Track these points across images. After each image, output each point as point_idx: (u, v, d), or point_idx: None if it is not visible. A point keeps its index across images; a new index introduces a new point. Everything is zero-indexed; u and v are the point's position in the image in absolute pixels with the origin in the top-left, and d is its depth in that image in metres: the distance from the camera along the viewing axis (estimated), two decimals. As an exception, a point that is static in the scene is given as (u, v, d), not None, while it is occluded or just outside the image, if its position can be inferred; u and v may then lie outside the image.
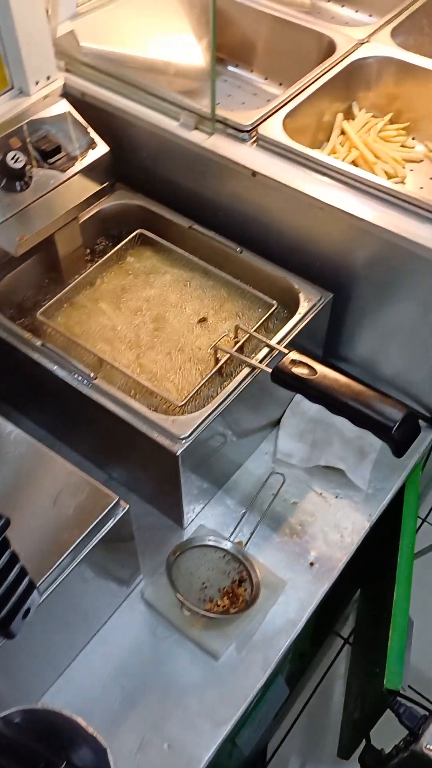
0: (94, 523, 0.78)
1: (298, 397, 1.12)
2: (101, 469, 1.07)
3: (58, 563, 0.75)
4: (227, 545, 0.98)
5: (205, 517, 1.04)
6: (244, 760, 1.28)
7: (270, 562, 0.99)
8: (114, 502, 0.80)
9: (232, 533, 1.02)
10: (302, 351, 0.93)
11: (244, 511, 1.04)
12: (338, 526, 1.03)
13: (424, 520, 1.75)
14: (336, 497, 1.06)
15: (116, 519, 0.80)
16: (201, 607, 0.92)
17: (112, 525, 0.80)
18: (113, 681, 0.90)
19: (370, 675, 1.07)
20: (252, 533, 1.02)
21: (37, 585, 0.72)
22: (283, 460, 1.09)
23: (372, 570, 1.30)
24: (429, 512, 1.75)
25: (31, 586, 0.67)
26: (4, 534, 0.58)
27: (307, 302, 1.03)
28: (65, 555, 0.76)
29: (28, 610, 0.68)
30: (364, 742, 1.15)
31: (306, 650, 1.37)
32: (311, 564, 1.00)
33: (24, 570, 0.65)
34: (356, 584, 1.44)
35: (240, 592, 0.95)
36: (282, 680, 1.10)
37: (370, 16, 1.54)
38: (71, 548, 0.76)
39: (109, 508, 0.79)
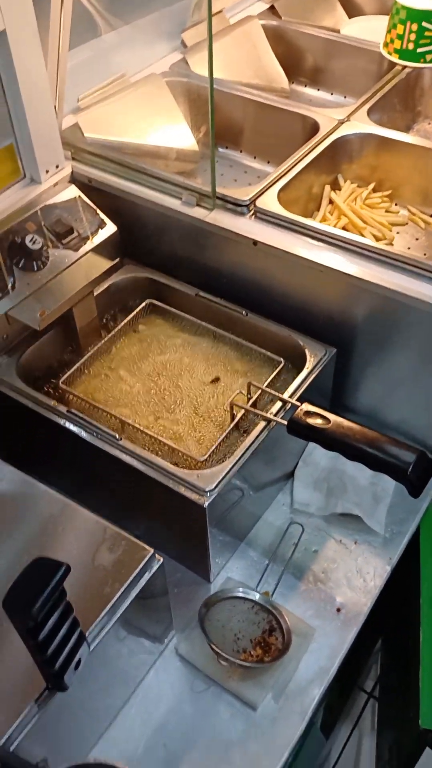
0: (132, 575, 0.81)
1: (310, 447, 1.18)
2: (125, 530, 1.10)
3: (101, 616, 0.78)
4: (255, 596, 1.01)
5: (231, 570, 1.07)
6: None
7: (298, 610, 1.02)
8: (150, 555, 0.83)
9: (258, 584, 1.04)
10: (312, 403, 0.98)
11: (267, 562, 1.07)
12: (360, 571, 1.06)
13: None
14: (355, 543, 1.10)
15: (152, 571, 0.83)
16: (236, 658, 0.94)
17: (149, 577, 0.83)
18: (155, 740, 0.90)
19: (405, 721, 1.07)
20: (277, 583, 1.04)
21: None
22: (301, 509, 1.13)
23: (393, 619, 1.32)
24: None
25: (81, 637, 0.70)
26: (62, 584, 0.61)
27: (313, 358, 1.09)
28: (107, 608, 0.78)
29: (79, 662, 0.70)
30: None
31: (333, 702, 1.36)
32: (338, 610, 1.02)
33: (76, 621, 0.68)
34: (377, 634, 1.45)
35: (272, 641, 0.97)
36: (319, 730, 1.10)
37: (345, 97, 1.68)
38: (113, 601, 0.79)
39: (145, 561, 0.82)
